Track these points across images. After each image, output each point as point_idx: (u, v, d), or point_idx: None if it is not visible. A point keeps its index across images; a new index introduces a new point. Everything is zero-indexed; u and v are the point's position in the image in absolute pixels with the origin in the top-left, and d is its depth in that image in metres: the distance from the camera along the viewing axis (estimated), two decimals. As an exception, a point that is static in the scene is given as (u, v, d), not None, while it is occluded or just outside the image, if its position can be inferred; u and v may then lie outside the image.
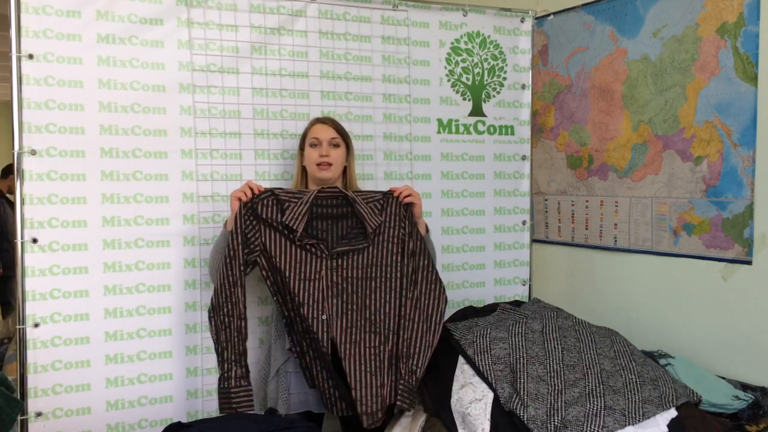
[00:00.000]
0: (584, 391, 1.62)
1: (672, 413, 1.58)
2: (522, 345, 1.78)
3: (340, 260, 1.85)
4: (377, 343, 1.81)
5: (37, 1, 1.88)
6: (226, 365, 1.79)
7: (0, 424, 1.57)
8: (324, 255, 1.85)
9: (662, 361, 2.04)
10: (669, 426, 1.54)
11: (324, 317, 1.80)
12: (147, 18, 2.02)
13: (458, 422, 1.61)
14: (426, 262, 1.89)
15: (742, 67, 2.04)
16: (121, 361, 2.02)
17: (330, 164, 1.98)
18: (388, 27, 2.37)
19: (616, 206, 2.47)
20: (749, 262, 2.06)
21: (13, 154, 1.87)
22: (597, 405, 1.56)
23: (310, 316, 1.80)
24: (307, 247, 1.85)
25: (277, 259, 1.83)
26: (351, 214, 1.89)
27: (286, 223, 1.81)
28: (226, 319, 1.80)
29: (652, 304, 2.36)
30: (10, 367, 2.70)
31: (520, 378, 1.63)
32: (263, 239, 1.84)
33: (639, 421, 1.52)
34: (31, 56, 1.88)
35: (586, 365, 1.72)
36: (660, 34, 2.27)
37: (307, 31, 2.25)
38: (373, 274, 1.86)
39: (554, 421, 1.50)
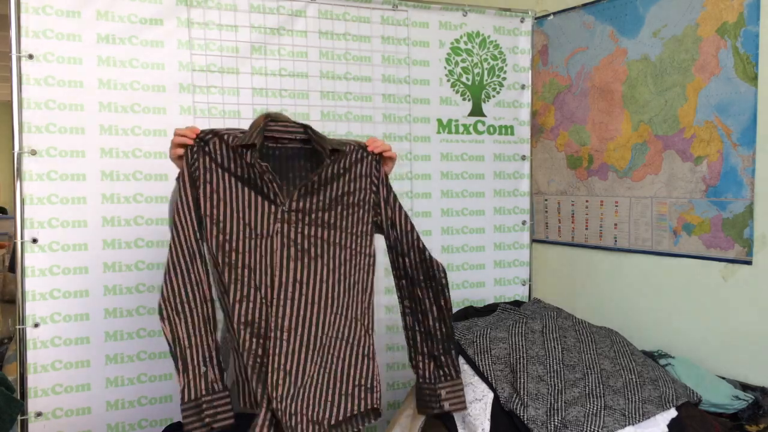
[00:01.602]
0: (584, 391, 1.62)
1: (672, 413, 1.58)
2: (522, 345, 1.78)
3: (299, 214, 1.43)
4: (340, 340, 1.44)
5: (37, 1, 1.88)
6: (192, 370, 1.34)
7: (0, 424, 1.57)
8: (280, 203, 1.42)
9: (662, 361, 2.04)
10: (669, 426, 1.54)
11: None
12: (147, 18, 2.02)
13: (458, 422, 1.61)
14: (413, 237, 1.53)
15: (742, 67, 2.04)
16: (121, 361, 2.02)
17: None
18: (388, 27, 2.38)
19: (616, 206, 2.47)
20: (749, 262, 2.06)
21: (13, 154, 1.87)
22: (597, 405, 1.56)
23: (255, 284, 1.38)
24: (265, 183, 1.40)
25: (220, 209, 1.40)
26: (310, 156, 1.50)
27: (240, 143, 1.41)
28: (186, 307, 1.36)
29: (652, 304, 2.36)
30: (10, 367, 2.70)
31: (520, 378, 1.63)
32: (209, 184, 1.42)
33: (639, 421, 1.52)
34: (31, 56, 1.88)
35: (586, 365, 1.72)
36: (660, 34, 2.27)
37: (307, 31, 2.25)
38: (340, 241, 1.47)
39: (554, 421, 1.50)
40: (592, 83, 2.53)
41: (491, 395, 1.61)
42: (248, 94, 2.17)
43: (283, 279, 1.40)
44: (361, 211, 1.51)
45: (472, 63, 2.54)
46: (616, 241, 2.49)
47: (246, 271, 1.40)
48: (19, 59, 1.87)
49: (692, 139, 2.19)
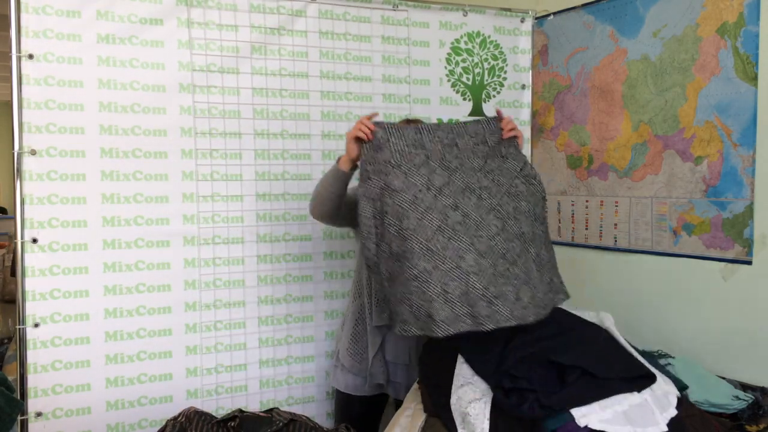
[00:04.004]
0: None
1: (672, 412, 1.58)
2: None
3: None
4: None
5: (37, 1, 1.88)
6: None
7: (0, 424, 1.57)
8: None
9: (662, 361, 2.04)
10: (669, 425, 1.54)
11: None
12: (147, 18, 2.02)
13: (458, 422, 1.60)
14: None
15: (742, 67, 2.04)
16: (121, 361, 2.02)
17: None
18: (388, 27, 2.38)
19: (616, 206, 2.47)
20: (749, 262, 2.06)
21: (13, 154, 1.87)
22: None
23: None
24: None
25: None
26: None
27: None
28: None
29: (652, 304, 2.36)
30: (10, 367, 2.70)
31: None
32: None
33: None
34: (31, 56, 1.88)
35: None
36: (660, 34, 2.27)
37: (307, 31, 2.25)
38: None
39: None
40: (592, 83, 2.53)
41: (491, 394, 1.61)
42: (248, 94, 2.17)
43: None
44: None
45: (473, 63, 2.54)
46: (616, 241, 2.49)
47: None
48: (19, 59, 1.87)
49: (692, 139, 2.19)
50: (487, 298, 1.59)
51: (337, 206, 1.81)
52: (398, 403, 2.06)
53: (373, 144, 1.68)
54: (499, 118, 1.80)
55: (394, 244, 1.64)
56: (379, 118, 1.75)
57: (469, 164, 1.73)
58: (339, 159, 1.76)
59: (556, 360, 1.58)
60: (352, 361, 2.00)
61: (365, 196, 1.68)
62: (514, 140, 1.79)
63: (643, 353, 1.88)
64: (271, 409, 1.65)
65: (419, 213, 1.63)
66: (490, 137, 1.78)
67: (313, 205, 1.85)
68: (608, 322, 1.86)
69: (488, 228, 1.66)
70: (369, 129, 1.67)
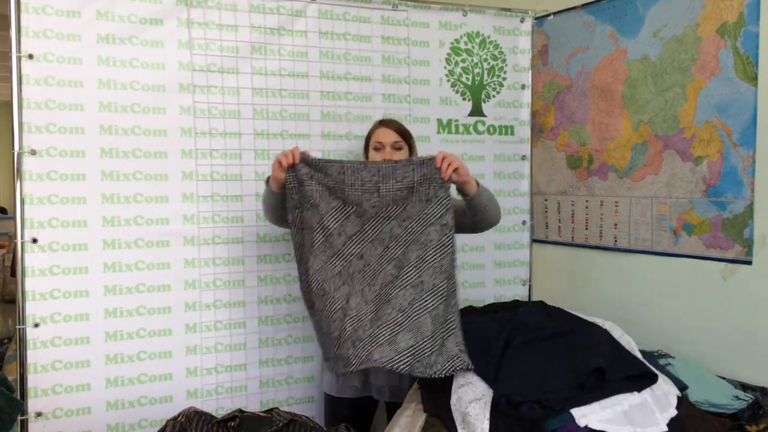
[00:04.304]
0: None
1: (672, 412, 1.58)
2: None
3: None
4: None
5: (37, 1, 1.88)
6: None
7: (0, 424, 1.57)
8: None
9: (662, 361, 2.04)
10: (669, 425, 1.54)
11: None
12: (147, 18, 2.02)
13: (458, 422, 1.60)
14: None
15: (742, 67, 2.04)
16: (121, 361, 2.02)
17: None
18: (388, 27, 2.38)
19: (616, 206, 2.47)
20: (749, 262, 2.06)
21: (13, 154, 1.87)
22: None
23: None
24: None
25: None
26: None
27: None
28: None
29: (652, 304, 2.36)
30: (10, 367, 2.70)
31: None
32: None
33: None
34: (31, 56, 1.88)
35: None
36: (660, 34, 2.27)
37: (307, 31, 2.25)
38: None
39: None
40: (592, 83, 2.53)
41: (491, 394, 1.61)
42: (248, 94, 2.17)
43: None
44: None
45: (472, 63, 2.54)
46: (616, 241, 2.49)
47: None
48: (19, 59, 1.87)
49: (692, 139, 2.19)
50: (352, 340, 1.65)
51: (280, 216, 1.86)
52: (389, 405, 2.06)
53: (297, 177, 1.71)
54: (431, 158, 1.72)
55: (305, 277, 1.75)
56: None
57: (384, 213, 1.72)
58: (268, 178, 1.81)
59: (600, 366, 1.57)
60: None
61: (292, 223, 1.76)
62: (446, 185, 1.71)
63: (643, 353, 1.88)
64: (271, 409, 1.65)
65: (326, 256, 1.71)
66: (419, 181, 1.71)
67: (263, 211, 1.93)
68: (616, 333, 1.86)
69: (384, 276, 1.71)
70: (292, 160, 1.69)
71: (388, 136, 2.00)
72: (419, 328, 1.65)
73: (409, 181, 1.71)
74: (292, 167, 1.70)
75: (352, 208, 1.72)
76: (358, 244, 1.72)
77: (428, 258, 1.68)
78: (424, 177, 1.70)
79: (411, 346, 1.62)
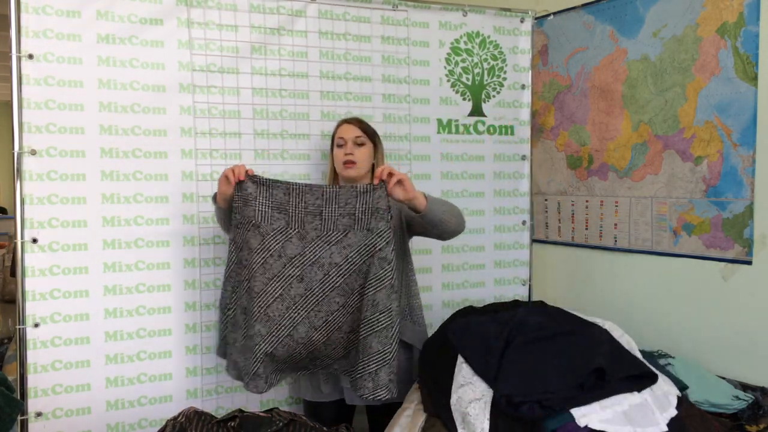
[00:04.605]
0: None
1: (672, 412, 1.58)
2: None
3: None
4: None
5: (37, 1, 1.88)
6: None
7: (0, 424, 1.57)
8: None
9: (662, 361, 2.04)
10: (669, 425, 1.54)
11: None
12: (147, 18, 2.02)
13: (458, 422, 1.61)
14: None
15: (742, 67, 2.04)
16: (121, 361, 2.02)
17: (354, 162, 1.98)
18: (388, 27, 2.38)
19: (616, 206, 2.47)
20: (749, 262, 2.06)
21: (13, 154, 1.87)
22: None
23: None
24: None
25: None
26: None
27: None
28: None
29: (652, 304, 2.36)
30: (10, 367, 2.70)
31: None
32: None
33: None
34: (31, 56, 1.88)
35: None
36: (660, 34, 2.27)
37: (306, 31, 2.25)
38: None
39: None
40: (592, 83, 2.53)
41: (491, 394, 1.61)
42: (248, 94, 2.17)
43: None
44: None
45: (472, 63, 2.54)
46: (616, 241, 2.49)
47: None
48: (19, 59, 1.87)
49: (692, 139, 2.19)
50: (304, 365, 1.77)
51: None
52: (369, 409, 2.05)
53: (241, 196, 1.72)
54: (374, 186, 1.72)
55: (245, 298, 1.75)
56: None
57: (326, 237, 1.73)
58: (215, 195, 1.81)
59: (600, 366, 1.57)
60: None
61: (233, 241, 1.77)
62: (386, 216, 1.71)
63: (643, 353, 1.88)
64: (271, 409, 1.65)
65: (266, 278, 1.71)
66: (361, 209, 1.72)
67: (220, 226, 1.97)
68: (616, 333, 1.85)
69: (329, 304, 1.74)
70: (237, 177, 1.71)
71: (350, 132, 2.01)
72: (351, 354, 1.77)
73: (351, 207, 1.72)
74: (239, 184, 1.72)
75: (294, 230, 1.74)
76: (298, 266, 1.72)
77: (365, 292, 1.71)
78: (366, 205, 1.71)
79: (356, 363, 1.73)
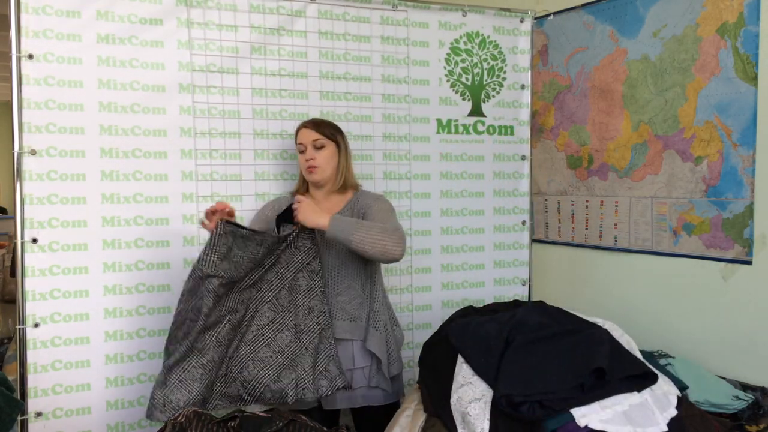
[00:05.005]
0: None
1: (672, 412, 1.58)
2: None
3: None
4: None
5: (37, 1, 1.88)
6: None
7: (0, 424, 1.57)
8: None
9: (662, 361, 2.04)
10: (669, 425, 1.54)
11: None
12: (147, 18, 2.02)
13: (458, 422, 1.60)
14: None
15: (742, 67, 2.04)
16: (121, 361, 2.02)
17: (316, 167, 1.94)
18: (388, 27, 2.38)
19: (616, 206, 2.47)
20: (749, 262, 2.06)
21: (13, 154, 1.87)
22: None
23: None
24: None
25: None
26: None
27: None
28: None
29: (652, 304, 2.36)
30: (10, 367, 2.70)
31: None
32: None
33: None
34: (31, 56, 1.88)
35: None
36: (660, 34, 2.28)
37: (306, 31, 2.25)
38: None
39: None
40: (592, 83, 2.53)
41: (491, 394, 1.61)
42: (248, 94, 2.17)
43: None
44: None
45: (472, 63, 2.54)
46: (616, 241, 2.49)
47: None
48: (19, 59, 1.87)
49: (692, 139, 2.19)
50: (239, 380, 1.79)
51: None
52: (354, 412, 2.02)
53: (222, 245, 1.71)
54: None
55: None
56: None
57: (260, 260, 1.81)
58: (202, 221, 1.81)
59: (600, 366, 1.57)
60: None
61: (198, 272, 1.73)
62: (311, 235, 1.85)
63: (643, 353, 1.88)
64: (271, 409, 1.65)
65: (216, 317, 1.75)
66: (282, 236, 1.85)
67: None
68: (616, 333, 1.85)
69: (260, 318, 1.83)
70: (220, 219, 1.72)
71: (307, 136, 1.96)
72: (300, 363, 1.81)
73: (274, 240, 1.84)
74: (222, 224, 1.72)
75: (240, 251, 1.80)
76: (236, 292, 1.79)
77: (299, 302, 1.85)
78: (282, 240, 1.85)
79: (293, 379, 1.79)
